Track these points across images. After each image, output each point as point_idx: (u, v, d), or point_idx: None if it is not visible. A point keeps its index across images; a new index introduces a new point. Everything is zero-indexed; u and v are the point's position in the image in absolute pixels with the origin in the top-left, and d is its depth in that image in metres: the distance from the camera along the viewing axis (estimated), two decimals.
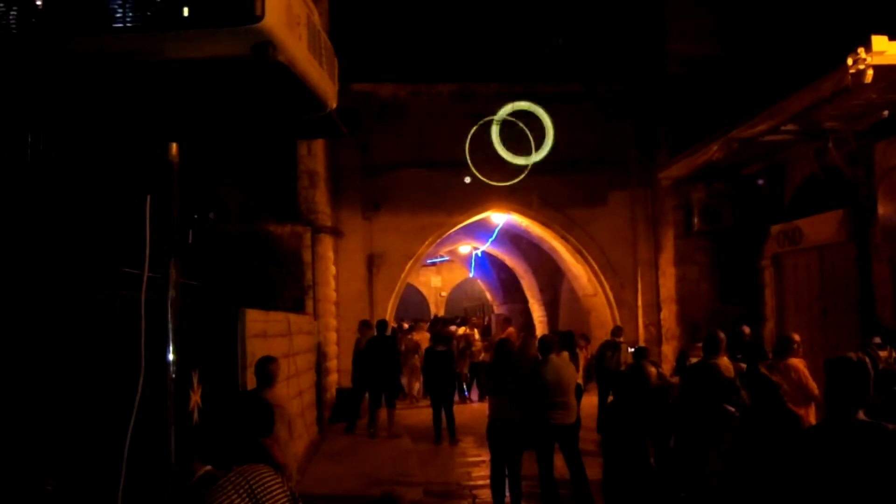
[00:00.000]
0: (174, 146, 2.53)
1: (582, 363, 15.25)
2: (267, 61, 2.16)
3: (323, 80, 2.50)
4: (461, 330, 22.79)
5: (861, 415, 4.15)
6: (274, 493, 3.25)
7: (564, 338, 11.97)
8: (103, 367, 4.81)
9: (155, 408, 2.85)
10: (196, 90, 2.45)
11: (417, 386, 19.99)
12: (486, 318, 35.03)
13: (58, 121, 3.79)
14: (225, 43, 2.15)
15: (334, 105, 2.65)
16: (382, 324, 15.87)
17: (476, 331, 23.71)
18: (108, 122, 2.92)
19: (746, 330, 11.58)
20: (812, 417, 8.63)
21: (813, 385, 8.76)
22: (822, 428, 4.42)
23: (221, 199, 9.80)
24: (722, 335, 7.98)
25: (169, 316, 2.57)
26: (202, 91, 2.46)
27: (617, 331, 16.35)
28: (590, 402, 14.21)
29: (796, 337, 9.60)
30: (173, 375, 2.62)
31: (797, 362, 9.06)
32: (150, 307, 2.68)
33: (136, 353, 2.72)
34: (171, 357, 2.61)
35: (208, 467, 3.26)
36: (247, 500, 3.14)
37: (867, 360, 4.81)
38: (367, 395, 15.23)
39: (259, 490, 3.20)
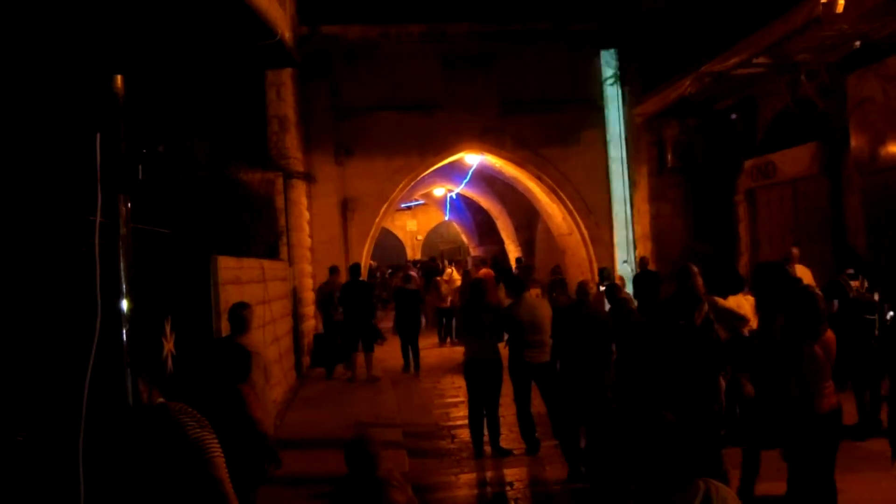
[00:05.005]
0: (119, 78, 2.42)
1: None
2: None
3: (272, 5, 2.40)
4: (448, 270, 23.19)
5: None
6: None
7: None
8: (70, 317, 4.73)
9: (115, 351, 2.80)
10: (140, 17, 2.34)
11: None
12: (466, 261, 35.16)
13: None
14: None
15: (286, 33, 2.56)
16: (355, 268, 15.80)
17: (460, 270, 23.83)
18: (53, 53, 2.81)
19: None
20: None
21: None
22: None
23: (189, 147, 9.62)
24: (695, 269, 7.99)
25: (120, 254, 2.49)
26: (146, 17, 2.35)
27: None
28: None
29: None
30: (126, 312, 2.55)
31: None
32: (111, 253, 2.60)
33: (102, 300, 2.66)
34: (124, 299, 2.54)
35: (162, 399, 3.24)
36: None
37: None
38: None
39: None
